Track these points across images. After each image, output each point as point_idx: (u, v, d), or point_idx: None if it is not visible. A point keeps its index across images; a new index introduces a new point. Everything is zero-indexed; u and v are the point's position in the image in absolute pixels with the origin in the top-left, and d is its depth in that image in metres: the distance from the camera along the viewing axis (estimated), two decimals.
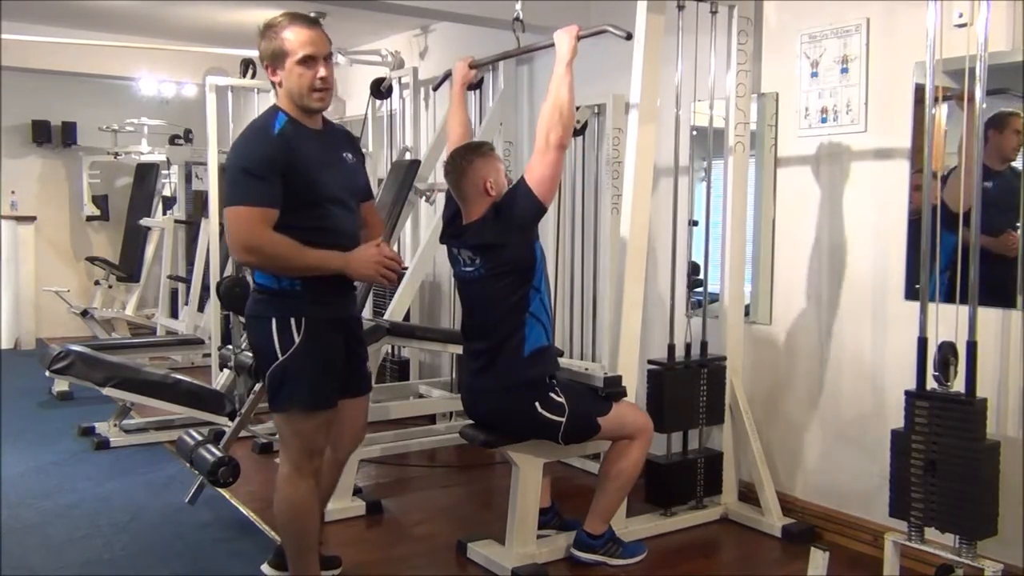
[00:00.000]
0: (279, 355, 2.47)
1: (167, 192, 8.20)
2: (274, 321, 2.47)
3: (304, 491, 2.59)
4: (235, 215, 2.40)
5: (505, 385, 2.93)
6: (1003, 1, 2.85)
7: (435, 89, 4.06)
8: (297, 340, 2.47)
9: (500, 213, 2.88)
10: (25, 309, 8.01)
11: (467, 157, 2.93)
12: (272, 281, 2.49)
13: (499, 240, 2.86)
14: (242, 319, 3.55)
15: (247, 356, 3.36)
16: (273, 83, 2.52)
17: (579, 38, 2.92)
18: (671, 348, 3.46)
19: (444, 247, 3.11)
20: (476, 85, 5.15)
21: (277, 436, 3.90)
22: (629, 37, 2.96)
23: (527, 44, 3.34)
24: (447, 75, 3.59)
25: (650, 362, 3.45)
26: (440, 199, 4.51)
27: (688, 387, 3.44)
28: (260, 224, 2.39)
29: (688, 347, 3.49)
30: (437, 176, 4.51)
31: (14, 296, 7.87)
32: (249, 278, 3.70)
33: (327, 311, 2.54)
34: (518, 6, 3.36)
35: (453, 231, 3.01)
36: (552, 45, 2.98)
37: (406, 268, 4.26)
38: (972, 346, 2.61)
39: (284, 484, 2.59)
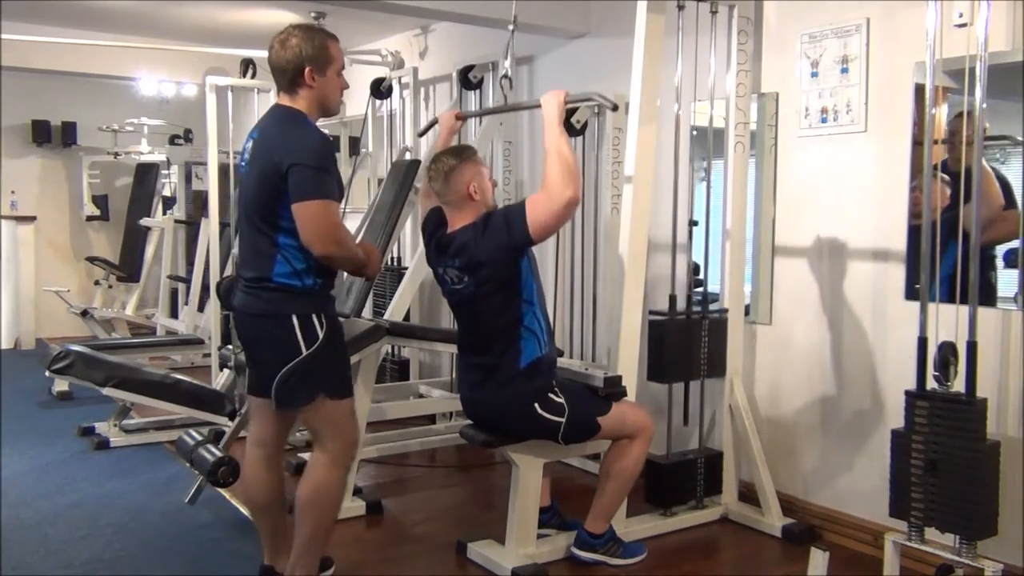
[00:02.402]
0: (302, 350, 2.53)
1: (167, 192, 8.20)
2: (296, 318, 2.53)
3: (337, 479, 2.66)
4: (321, 209, 2.44)
5: (503, 397, 2.95)
6: (1003, 1, 2.85)
7: (420, 135, 4.07)
8: (321, 335, 2.55)
9: (489, 227, 2.86)
10: (25, 309, 8.02)
11: (448, 162, 2.93)
12: (296, 280, 2.54)
13: (484, 257, 2.85)
14: None
15: None
16: (304, 86, 2.54)
17: (567, 103, 2.95)
18: (672, 299, 3.44)
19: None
20: (476, 85, 5.15)
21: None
22: (615, 108, 3.06)
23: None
24: (433, 123, 3.63)
25: (652, 312, 3.43)
26: None
27: (689, 338, 3.42)
28: (339, 218, 2.53)
29: (689, 298, 3.49)
30: None
31: (14, 296, 7.88)
32: None
33: (335, 307, 2.69)
34: (507, 63, 3.39)
35: (439, 243, 3.00)
36: (538, 106, 2.99)
37: (405, 268, 4.27)
38: (972, 346, 2.61)
39: (317, 470, 2.65)
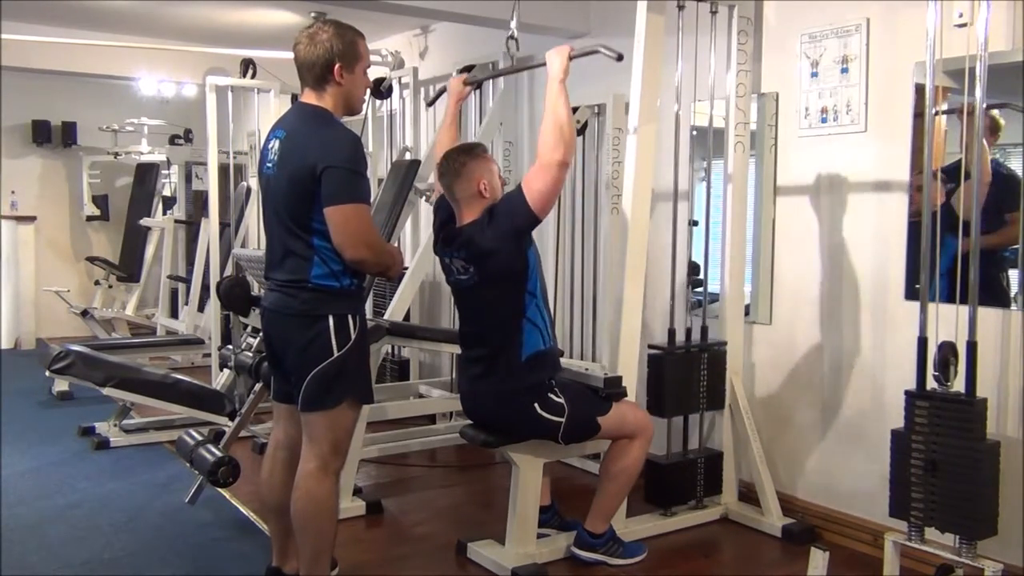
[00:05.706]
0: (335, 352, 2.50)
1: (167, 192, 8.21)
2: (332, 319, 2.50)
3: (328, 488, 2.58)
4: (355, 212, 2.43)
5: (503, 390, 2.94)
6: (1003, 1, 2.85)
7: (429, 105, 4.02)
8: (353, 337, 2.53)
9: (494, 218, 2.87)
10: (25, 309, 8.02)
11: (460, 159, 2.93)
12: (334, 281, 2.52)
13: (492, 246, 2.85)
14: (244, 320, 3.55)
15: (247, 356, 3.36)
16: (332, 83, 2.51)
17: (571, 58, 2.92)
18: (671, 332, 3.45)
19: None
20: (476, 85, 5.14)
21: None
22: (620, 59, 2.99)
23: (523, 56, 3.33)
24: (442, 91, 3.60)
25: (651, 347, 3.44)
26: None
27: (688, 371, 3.43)
28: (371, 221, 2.53)
29: (688, 332, 3.48)
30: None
31: (14, 296, 7.88)
32: (250, 278, 3.70)
33: (363, 308, 2.66)
34: (513, 24, 3.36)
35: (446, 236, 3.00)
36: (544, 64, 2.97)
37: (406, 268, 4.26)
38: (972, 346, 2.61)
39: (308, 480, 2.56)
